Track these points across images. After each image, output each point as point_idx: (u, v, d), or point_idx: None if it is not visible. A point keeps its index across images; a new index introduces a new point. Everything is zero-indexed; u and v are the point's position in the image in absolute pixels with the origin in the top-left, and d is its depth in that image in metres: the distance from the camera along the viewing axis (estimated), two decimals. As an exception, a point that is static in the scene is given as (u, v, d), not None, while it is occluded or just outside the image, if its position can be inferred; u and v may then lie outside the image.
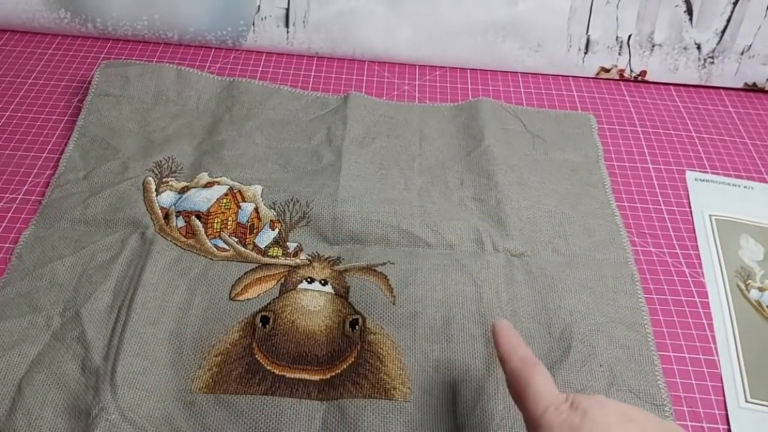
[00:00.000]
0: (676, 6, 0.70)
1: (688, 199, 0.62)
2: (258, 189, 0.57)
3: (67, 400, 0.43)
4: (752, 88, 0.76)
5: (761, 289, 0.54)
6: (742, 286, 0.54)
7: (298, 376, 0.45)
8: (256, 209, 0.56)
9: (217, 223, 0.54)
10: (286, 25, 0.73)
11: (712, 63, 0.74)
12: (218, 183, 0.57)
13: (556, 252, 0.55)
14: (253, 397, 0.44)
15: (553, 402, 0.34)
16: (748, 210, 0.61)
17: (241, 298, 0.50)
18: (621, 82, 0.76)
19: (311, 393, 0.45)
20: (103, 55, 0.73)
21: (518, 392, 0.36)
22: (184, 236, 0.53)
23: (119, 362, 0.44)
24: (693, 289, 0.54)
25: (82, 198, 0.55)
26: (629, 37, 0.73)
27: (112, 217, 0.54)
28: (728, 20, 0.71)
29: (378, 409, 0.44)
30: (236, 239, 0.54)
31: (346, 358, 0.46)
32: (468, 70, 0.75)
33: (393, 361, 0.46)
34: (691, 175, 0.64)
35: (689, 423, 0.46)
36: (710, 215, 0.60)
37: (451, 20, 0.72)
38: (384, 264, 0.52)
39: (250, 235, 0.54)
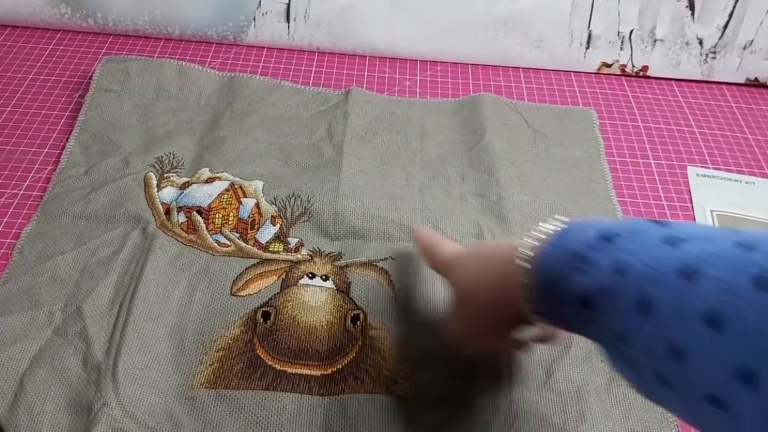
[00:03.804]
0: (678, 1, 0.70)
1: (690, 194, 0.62)
2: (259, 184, 0.57)
3: (69, 395, 0.43)
4: (754, 84, 0.75)
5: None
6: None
7: (299, 371, 0.45)
8: (258, 205, 0.56)
9: (218, 218, 0.54)
10: (287, 20, 0.73)
11: (714, 58, 0.73)
12: (219, 178, 0.57)
13: (557, 247, 0.55)
14: (255, 393, 0.44)
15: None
16: (749, 205, 0.61)
17: (242, 293, 0.50)
18: (622, 78, 0.76)
19: (312, 388, 0.45)
20: (104, 51, 0.73)
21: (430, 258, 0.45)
22: (186, 232, 0.53)
23: (121, 357, 0.44)
24: (694, 284, 0.54)
25: (84, 193, 0.55)
26: (631, 32, 0.72)
27: (114, 213, 0.54)
28: (730, 15, 0.70)
29: (379, 404, 0.44)
30: (237, 235, 0.54)
31: (348, 354, 0.46)
32: (469, 66, 0.75)
33: (394, 357, 0.46)
34: (692, 171, 0.64)
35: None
36: (711, 210, 0.60)
37: (452, 15, 0.72)
38: (385, 259, 0.52)
39: (251, 230, 0.54)
